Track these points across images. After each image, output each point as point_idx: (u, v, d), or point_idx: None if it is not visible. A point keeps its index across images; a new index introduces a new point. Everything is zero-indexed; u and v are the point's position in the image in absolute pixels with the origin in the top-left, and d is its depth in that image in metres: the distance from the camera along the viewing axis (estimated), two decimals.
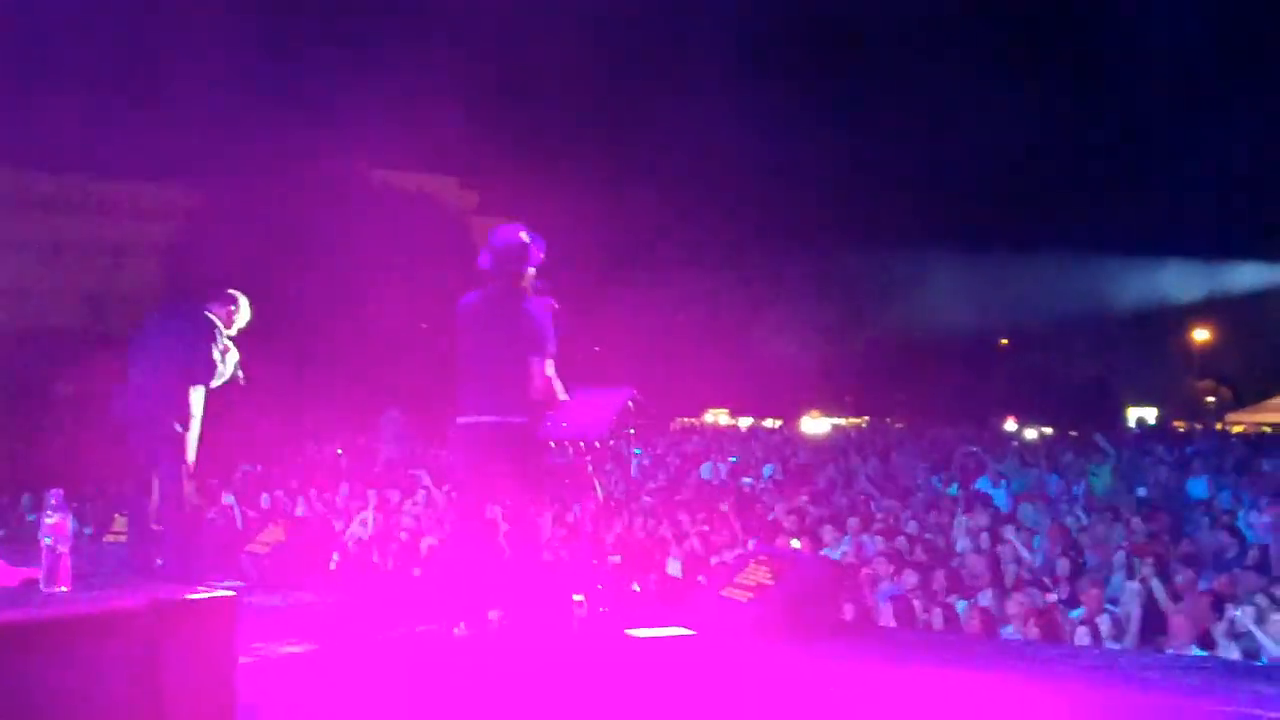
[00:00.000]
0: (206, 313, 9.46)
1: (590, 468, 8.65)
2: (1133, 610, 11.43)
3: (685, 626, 8.76)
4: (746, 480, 22.35)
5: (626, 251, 36.85)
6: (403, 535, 16.21)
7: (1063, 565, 13.55)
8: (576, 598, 8.45)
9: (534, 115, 35.50)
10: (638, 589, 12.36)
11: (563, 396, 8.11)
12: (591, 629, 8.40)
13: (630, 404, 8.61)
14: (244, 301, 9.69)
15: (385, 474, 21.98)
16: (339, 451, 26.87)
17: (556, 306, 8.36)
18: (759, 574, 8.95)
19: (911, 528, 15.88)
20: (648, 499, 18.76)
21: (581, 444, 8.59)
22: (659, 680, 7.44)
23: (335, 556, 15.04)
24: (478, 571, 8.20)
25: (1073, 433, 31.51)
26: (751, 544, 13.33)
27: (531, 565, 8.20)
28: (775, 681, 7.41)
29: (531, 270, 8.19)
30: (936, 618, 11.52)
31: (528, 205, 34.47)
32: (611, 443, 8.87)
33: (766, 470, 23.91)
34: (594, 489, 8.73)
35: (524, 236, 8.19)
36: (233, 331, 9.59)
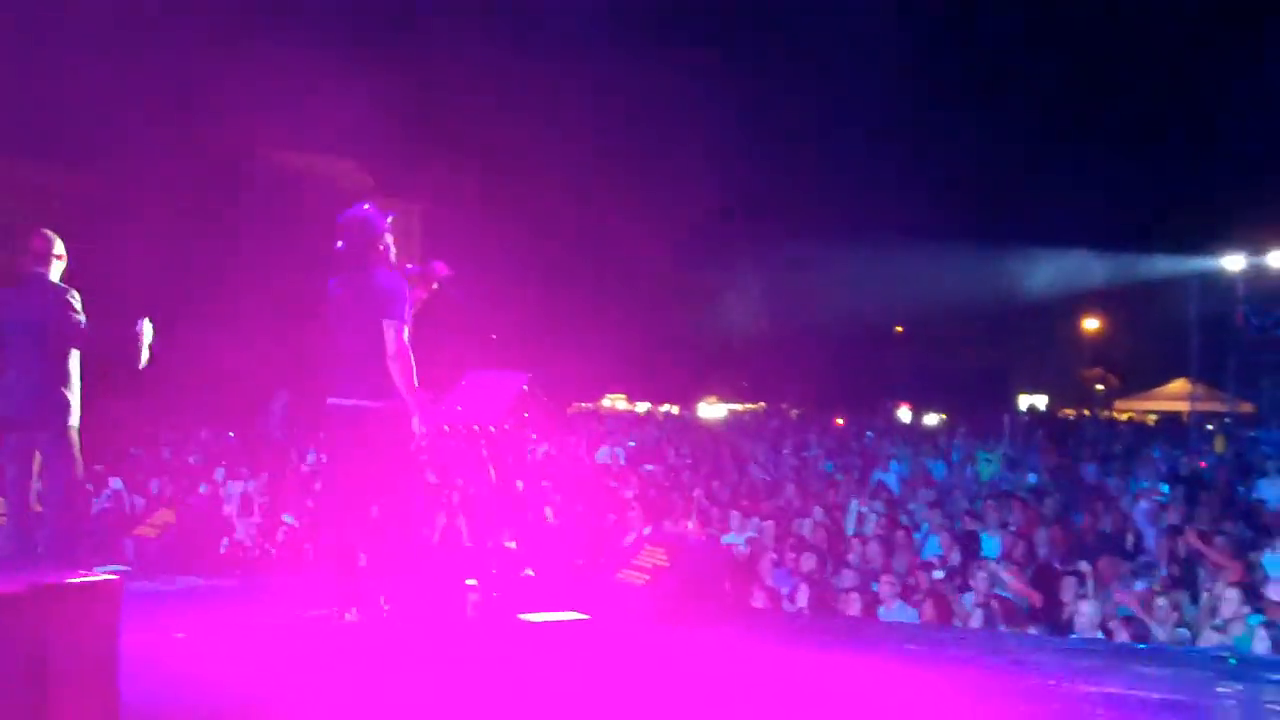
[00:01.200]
0: (47, 276, 9.02)
1: (485, 452, 8.58)
2: (1021, 593, 11.60)
3: (580, 611, 8.72)
4: (647, 467, 22.37)
5: (525, 234, 36.63)
6: (288, 519, 16.01)
7: (954, 550, 13.72)
8: (469, 582, 8.38)
9: (436, 99, 35.07)
10: (531, 574, 12.30)
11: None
12: (485, 614, 8.34)
13: (525, 388, 8.56)
14: (54, 236, 9.19)
15: (274, 457, 21.70)
16: (230, 434, 26.49)
17: (415, 267, 8.30)
18: (655, 558, 8.94)
19: (809, 513, 15.97)
20: (544, 484, 18.70)
21: (476, 428, 8.52)
22: (552, 664, 7.40)
23: (225, 541, 14.81)
24: (358, 556, 8.09)
25: (965, 419, 31.88)
26: (648, 529, 13.33)
27: (411, 550, 8.10)
28: (669, 665, 7.40)
29: (387, 241, 8.06)
30: (831, 601, 11.60)
31: (427, 190, 34.28)
32: (507, 427, 8.79)
33: (663, 456, 23.95)
34: (488, 473, 8.67)
35: (366, 208, 8.12)
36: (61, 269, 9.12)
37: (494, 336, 9.32)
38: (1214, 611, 10.53)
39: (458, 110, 35.21)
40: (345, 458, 8.01)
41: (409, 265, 8.36)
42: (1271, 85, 39.87)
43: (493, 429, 8.55)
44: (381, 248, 7.97)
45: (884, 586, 11.75)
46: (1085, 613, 10.38)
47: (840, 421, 33.35)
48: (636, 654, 7.67)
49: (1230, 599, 10.00)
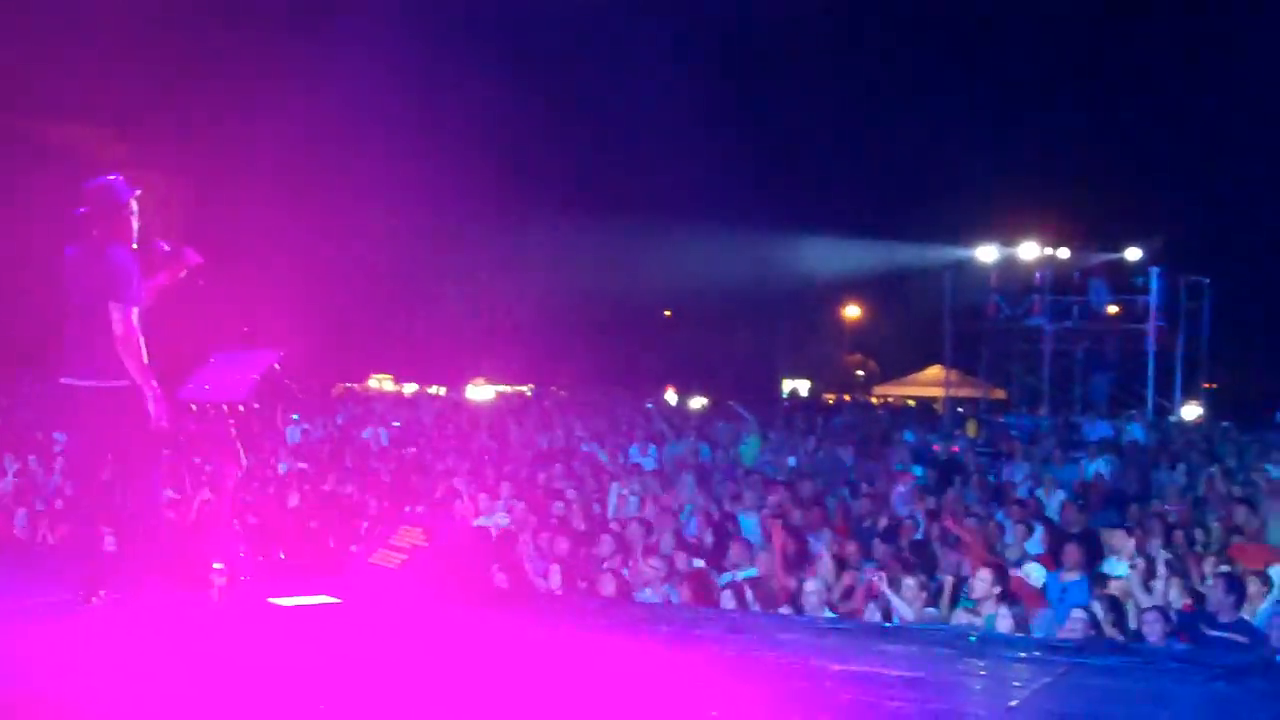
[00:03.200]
0: None
1: (234, 432, 8.32)
2: (776, 574, 11.78)
3: (332, 594, 8.54)
4: (410, 449, 22.12)
5: (288, 211, 35.80)
6: (39, 505, 15.40)
7: (712, 532, 13.88)
8: (216, 565, 8.11)
9: (196, 67, 34.03)
10: (284, 556, 12.04)
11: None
12: (233, 598, 8.09)
13: (276, 366, 8.32)
14: None
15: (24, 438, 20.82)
16: None
17: (168, 248, 8.02)
18: (411, 538, 8.80)
19: (569, 494, 15.98)
20: (303, 465, 18.36)
21: (225, 407, 8.26)
22: (302, 649, 7.22)
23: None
24: (103, 539, 7.81)
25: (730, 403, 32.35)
26: (406, 509, 13.17)
27: (154, 533, 7.84)
28: (421, 647, 7.30)
29: (129, 214, 7.75)
30: (592, 583, 11.59)
31: (183, 160, 33.19)
32: (257, 406, 8.54)
33: (429, 438, 23.73)
34: (237, 454, 8.41)
35: (113, 178, 7.82)
36: None
37: (245, 329, 9.07)
38: (961, 591, 10.85)
39: (219, 87, 34.30)
40: (81, 439, 7.73)
41: (163, 244, 8.06)
42: (1024, 83, 41.43)
43: (242, 408, 8.30)
44: (122, 220, 7.66)
45: (643, 568, 11.80)
46: (811, 590, 10.61)
47: (606, 404, 33.49)
48: (388, 637, 7.54)
49: (982, 579, 10.28)
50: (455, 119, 38.50)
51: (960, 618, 10.00)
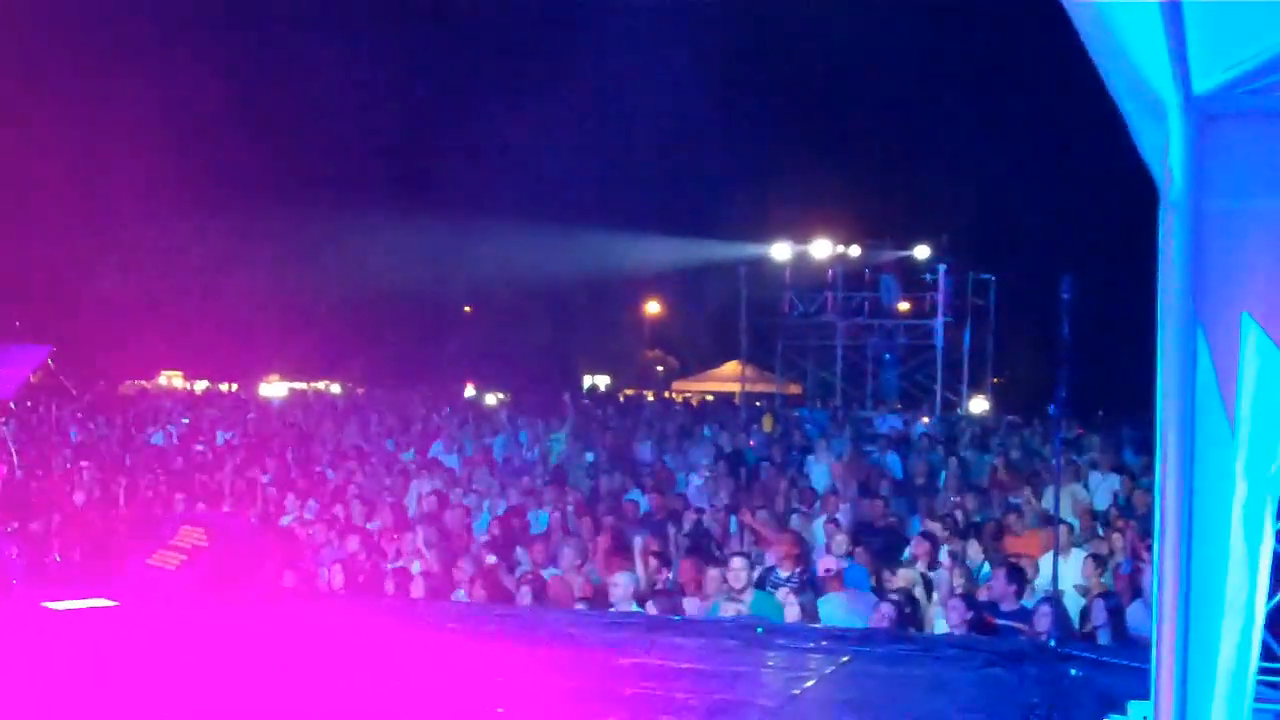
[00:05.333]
0: None
1: (4, 430, 8.01)
2: (574, 570, 11.78)
3: (109, 597, 8.28)
4: (198, 446, 21.57)
5: (73, 201, 34.66)
6: None
7: (515, 527, 13.83)
8: None
9: None
10: (59, 559, 11.63)
11: None
12: (4, 601, 7.80)
13: (50, 363, 8.03)
14: None
15: None
16: None
17: None
18: (191, 539, 8.58)
19: (367, 493, 15.74)
20: (85, 464, 17.77)
21: None
22: (77, 653, 7.00)
23: None
24: None
25: (529, 398, 32.29)
26: (187, 509, 12.84)
27: None
28: (200, 648, 7.12)
29: None
30: (387, 582, 11.44)
31: None
32: (29, 404, 8.23)
33: (220, 436, 23.17)
34: (8, 452, 8.10)
35: None
36: None
37: (17, 324, 8.75)
38: (752, 582, 10.96)
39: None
40: None
41: None
42: (816, 85, 42.17)
43: (13, 405, 8.00)
44: None
45: (438, 566, 11.69)
46: (620, 584, 10.62)
47: (404, 400, 33.15)
48: (165, 638, 7.34)
49: (737, 569, 10.35)
50: (245, 102, 37.73)
51: (727, 609, 10.03)
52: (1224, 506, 3.42)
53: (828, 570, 11.12)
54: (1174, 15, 2.75)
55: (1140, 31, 2.85)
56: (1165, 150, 3.28)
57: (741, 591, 10.06)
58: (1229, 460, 3.41)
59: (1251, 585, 3.49)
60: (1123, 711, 5.81)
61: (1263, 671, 6.67)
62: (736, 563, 10.32)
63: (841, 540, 12.23)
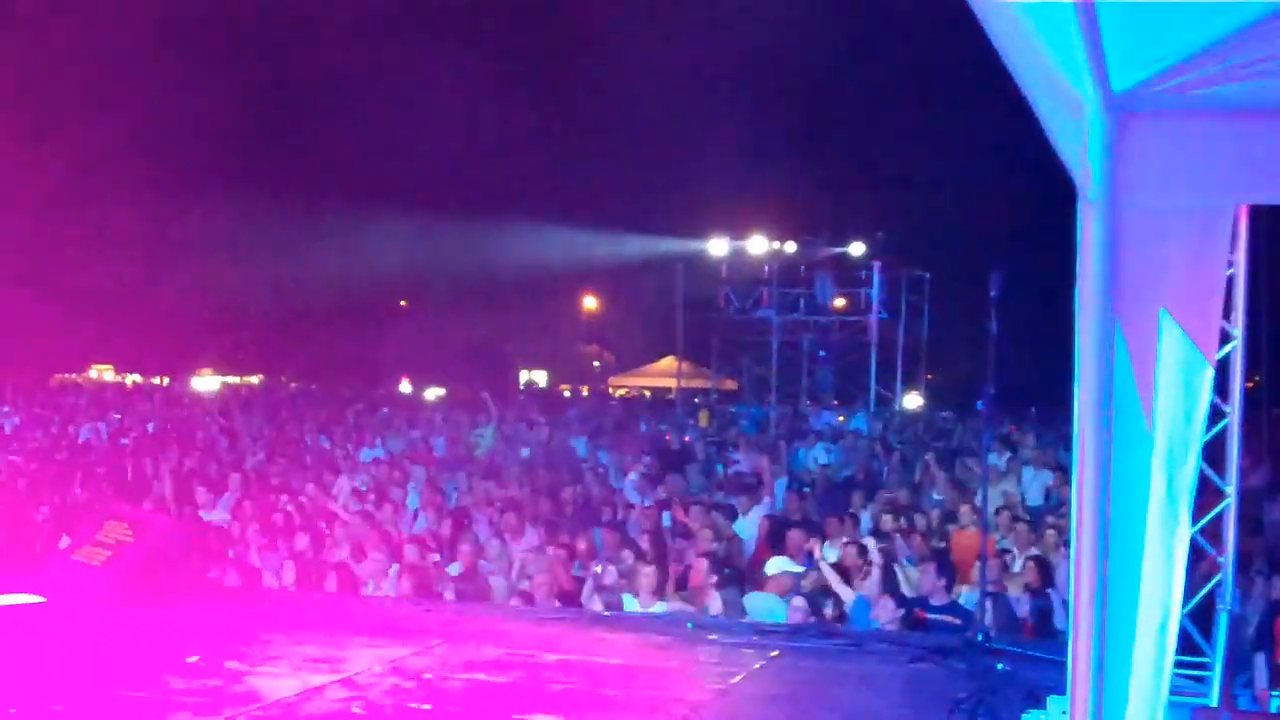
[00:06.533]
0: None
1: None
2: (506, 566, 11.73)
3: (35, 592, 8.18)
4: (127, 440, 21.32)
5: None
6: None
7: (445, 524, 13.73)
8: None
9: None
10: None
11: None
12: None
13: None
14: None
15: None
16: None
17: None
18: (117, 533, 8.48)
19: (300, 488, 15.59)
20: (14, 458, 17.53)
21: None
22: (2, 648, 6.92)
23: None
24: None
25: (465, 394, 32.19)
26: (121, 504, 12.66)
27: None
28: (124, 644, 7.05)
29: None
30: (322, 579, 11.33)
31: None
32: None
33: (150, 429, 22.92)
34: None
35: None
36: None
37: None
38: (686, 578, 10.97)
39: None
40: None
41: None
42: (751, 86, 42.28)
43: None
44: None
45: (368, 563, 11.60)
46: (553, 580, 10.59)
47: (338, 395, 32.96)
48: (89, 634, 7.26)
49: (697, 569, 10.41)
50: (176, 93, 37.35)
51: (674, 604, 10.08)
52: (1140, 502, 3.45)
53: (759, 565, 11.14)
54: (1089, 14, 2.76)
55: (1057, 30, 2.86)
56: (1083, 148, 3.29)
57: (700, 589, 10.08)
58: (1146, 457, 3.44)
59: (1168, 580, 3.53)
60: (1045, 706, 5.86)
61: (1188, 665, 6.77)
62: (698, 563, 10.37)
63: (771, 535, 12.25)
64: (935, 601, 10.06)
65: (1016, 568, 11.24)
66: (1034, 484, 16.14)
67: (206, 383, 42.22)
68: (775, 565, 11.10)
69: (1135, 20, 2.98)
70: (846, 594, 10.06)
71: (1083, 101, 3.25)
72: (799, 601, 9.41)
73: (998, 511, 12.89)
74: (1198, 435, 3.56)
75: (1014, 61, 3.07)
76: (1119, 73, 3.21)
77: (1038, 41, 2.97)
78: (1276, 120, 3.36)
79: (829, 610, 9.62)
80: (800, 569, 11.03)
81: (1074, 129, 3.33)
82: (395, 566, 11.32)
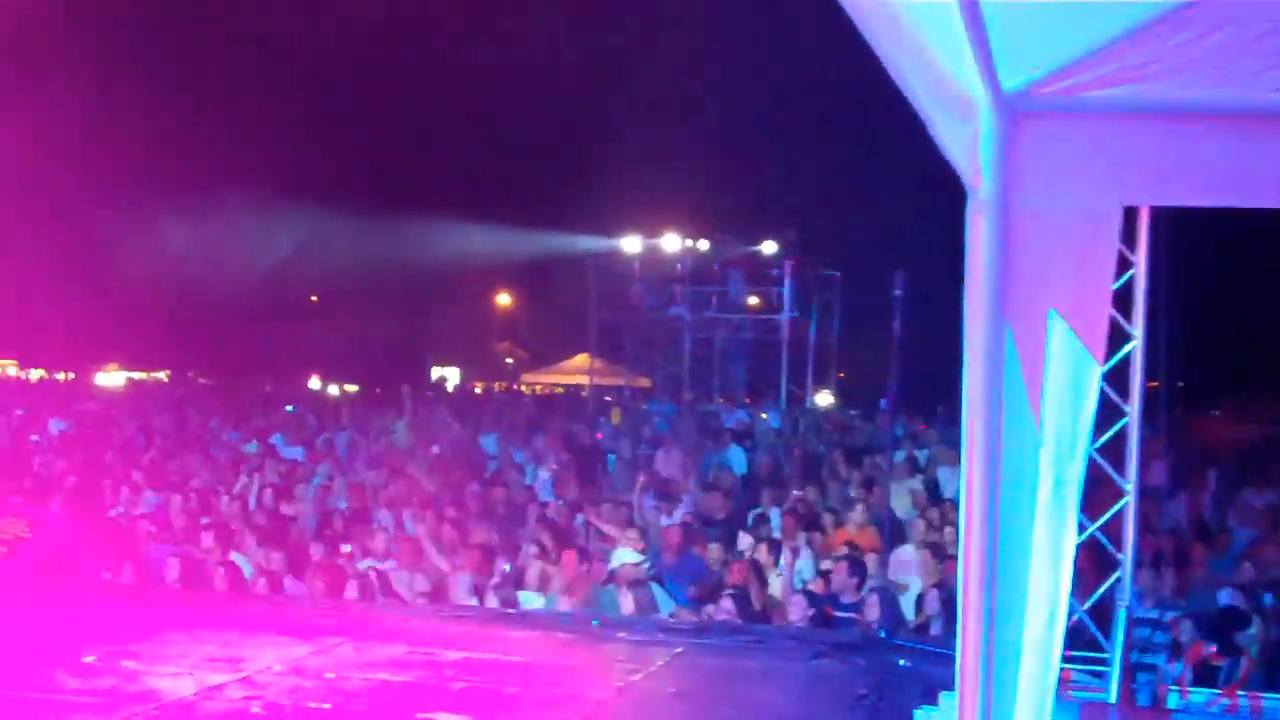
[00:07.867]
0: None
1: None
2: (413, 564, 11.66)
3: None
4: (33, 436, 20.98)
5: None
6: None
7: (351, 521, 13.65)
8: None
9: None
10: None
11: None
12: None
13: None
14: None
15: None
16: None
17: None
18: (14, 529, 8.34)
19: (211, 487, 15.40)
20: None
21: None
22: None
23: None
24: None
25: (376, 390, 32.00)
26: (19, 501, 12.44)
27: None
28: (18, 643, 6.94)
29: None
30: (219, 577, 11.20)
31: None
32: None
33: (53, 426, 22.55)
34: None
35: None
36: None
37: None
38: (591, 575, 10.96)
39: None
40: None
41: None
42: (668, 83, 42.35)
43: None
44: None
45: (273, 562, 11.48)
46: (460, 578, 10.55)
47: (248, 391, 32.61)
48: None
49: (619, 557, 10.41)
50: (95, 84, 36.80)
51: (581, 602, 10.01)
52: (1029, 500, 3.49)
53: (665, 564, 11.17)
54: (974, 14, 2.78)
55: (943, 30, 2.87)
56: (973, 149, 3.32)
57: (583, 585, 10.07)
58: (1034, 455, 3.48)
59: (1055, 576, 3.57)
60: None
61: (1088, 661, 6.87)
62: (567, 557, 10.36)
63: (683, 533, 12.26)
64: (846, 599, 10.13)
65: (920, 563, 11.32)
66: (950, 482, 16.25)
67: (112, 378, 41.60)
68: (618, 558, 11.16)
69: (1023, 20, 3.01)
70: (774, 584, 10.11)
71: (972, 101, 3.28)
72: (725, 602, 9.40)
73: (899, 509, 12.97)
74: (1085, 433, 3.59)
75: (895, 63, 3.07)
76: (1008, 73, 3.24)
77: (922, 41, 2.99)
78: (1161, 122, 3.40)
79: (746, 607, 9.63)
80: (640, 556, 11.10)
81: (962, 130, 3.35)
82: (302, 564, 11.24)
